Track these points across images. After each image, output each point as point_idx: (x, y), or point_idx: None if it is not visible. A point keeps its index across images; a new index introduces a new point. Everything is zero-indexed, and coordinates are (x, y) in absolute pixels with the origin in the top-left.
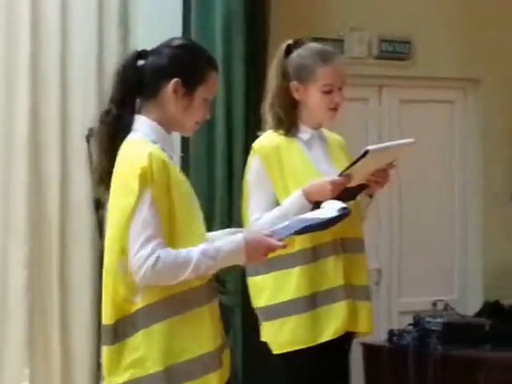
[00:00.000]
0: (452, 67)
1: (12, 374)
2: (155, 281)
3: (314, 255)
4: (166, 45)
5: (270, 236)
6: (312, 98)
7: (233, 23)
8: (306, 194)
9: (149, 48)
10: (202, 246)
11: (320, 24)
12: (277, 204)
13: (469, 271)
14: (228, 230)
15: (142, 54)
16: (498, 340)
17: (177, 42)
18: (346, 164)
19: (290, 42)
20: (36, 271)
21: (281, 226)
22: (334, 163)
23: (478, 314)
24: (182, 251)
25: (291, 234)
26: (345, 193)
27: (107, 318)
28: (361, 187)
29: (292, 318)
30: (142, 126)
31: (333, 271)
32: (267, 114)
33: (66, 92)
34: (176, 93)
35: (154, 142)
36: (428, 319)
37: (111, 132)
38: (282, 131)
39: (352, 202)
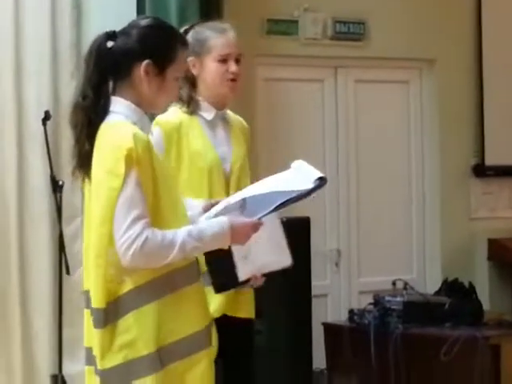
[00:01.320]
0: (407, 47)
1: None
2: (143, 262)
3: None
4: (134, 25)
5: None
6: (208, 70)
7: (187, 7)
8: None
9: (102, 29)
10: (187, 228)
11: (274, 5)
12: None
13: (427, 250)
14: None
15: (110, 35)
16: (457, 317)
17: (145, 22)
18: (245, 148)
19: (187, 26)
20: None
21: (258, 203)
22: (234, 147)
23: (438, 293)
24: (168, 232)
25: (270, 212)
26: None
27: (98, 302)
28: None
29: None
30: (120, 107)
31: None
32: None
33: (20, 76)
34: (148, 74)
35: (134, 123)
36: (388, 298)
37: (90, 116)
38: (184, 109)
39: None
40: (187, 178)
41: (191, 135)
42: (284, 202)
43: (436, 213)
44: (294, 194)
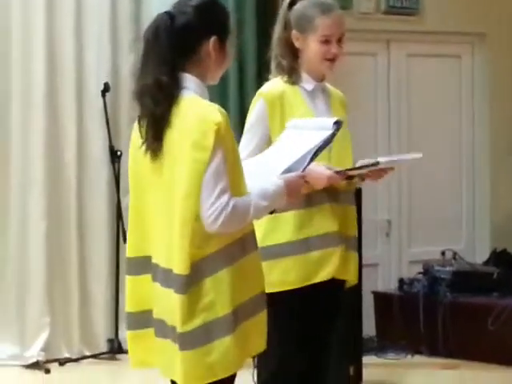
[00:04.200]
0: (459, 22)
1: (33, 322)
2: (229, 227)
3: (308, 201)
4: (188, 4)
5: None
6: (310, 48)
7: None
8: (305, 174)
9: (160, 5)
10: (253, 191)
11: None
12: (266, 147)
13: (476, 221)
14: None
15: (171, 16)
16: (505, 287)
17: (199, 0)
18: (345, 118)
19: None
20: (54, 222)
21: (294, 160)
22: (335, 116)
23: (486, 263)
24: (245, 198)
25: (307, 165)
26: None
27: (183, 268)
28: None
29: (284, 259)
30: (191, 83)
31: (328, 218)
32: (272, 63)
33: (80, 48)
34: (215, 49)
35: (202, 98)
36: (437, 268)
37: (170, 92)
38: (285, 79)
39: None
40: None
41: (294, 104)
42: (315, 152)
43: (485, 185)
44: (320, 143)
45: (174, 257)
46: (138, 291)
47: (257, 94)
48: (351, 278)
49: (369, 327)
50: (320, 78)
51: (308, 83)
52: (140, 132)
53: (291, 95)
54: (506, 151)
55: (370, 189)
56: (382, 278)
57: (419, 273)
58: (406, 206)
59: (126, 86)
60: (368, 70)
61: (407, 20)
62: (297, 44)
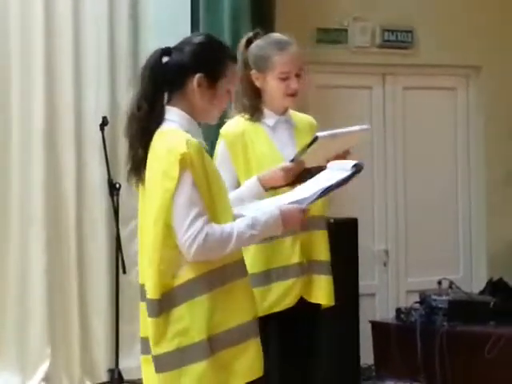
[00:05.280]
0: (454, 55)
1: (34, 354)
2: (205, 256)
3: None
4: (188, 42)
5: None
6: (270, 86)
7: (240, 17)
8: (261, 181)
9: (157, 41)
10: (242, 218)
11: (324, 14)
12: (238, 187)
13: (473, 250)
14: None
15: (165, 52)
16: (501, 316)
17: (197, 39)
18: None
19: (251, 34)
20: (55, 256)
21: (302, 195)
22: (299, 148)
23: (483, 292)
24: (226, 226)
25: (314, 200)
26: (304, 174)
27: (153, 293)
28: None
29: None
30: (174, 116)
31: (288, 250)
32: (234, 102)
33: (79, 82)
34: (200, 86)
35: (186, 131)
36: (434, 297)
37: (145, 125)
38: (247, 117)
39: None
40: None
41: (256, 141)
42: (326, 189)
43: (481, 214)
44: (333, 182)
45: (148, 282)
46: (143, 317)
47: (219, 134)
48: (324, 302)
49: (367, 356)
50: (282, 112)
51: (270, 118)
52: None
53: (252, 133)
54: (501, 181)
55: (368, 219)
56: (380, 308)
57: (416, 302)
58: (402, 236)
59: (124, 120)
60: (364, 103)
61: (402, 53)
62: (257, 83)
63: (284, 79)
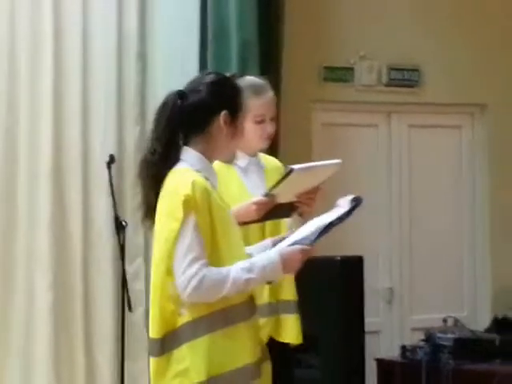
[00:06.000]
0: (459, 93)
1: None
2: (199, 298)
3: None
4: (200, 82)
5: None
6: (246, 129)
7: (248, 55)
8: (234, 216)
9: (166, 77)
10: (240, 262)
11: (331, 53)
12: None
13: (478, 288)
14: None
15: (181, 94)
16: (507, 354)
17: (210, 78)
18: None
19: (227, 75)
20: (60, 294)
21: (304, 234)
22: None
23: (488, 330)
24: (223, 269)
25: (317, 238)
26: (276, 210)
27: (155, 333)
28: (293, 205)
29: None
30: (189, 156)
31: (257, 290)
32: None
33: (86, 121)
34: (226, 124)
35: (198, 171)
36: (439, 335)
37: (158, 170)
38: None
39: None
40: None
41: (228, 182)
42: (328, 226)
43: (486, 252)
44: (334, 218)
45: (150, 321)
46: None
47: None
48: (293, 341)
49: None
50: (254, 154)
51: (242, 159)
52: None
53: (225, 174)
54: (506, 221)
55: (372, 258)
56: (385, 345)
57: (421, 340)
58: (407, 275)
59: (131, 157)
60: (369, 141)
61: (408, 92)
62: None
63: (259, 122)
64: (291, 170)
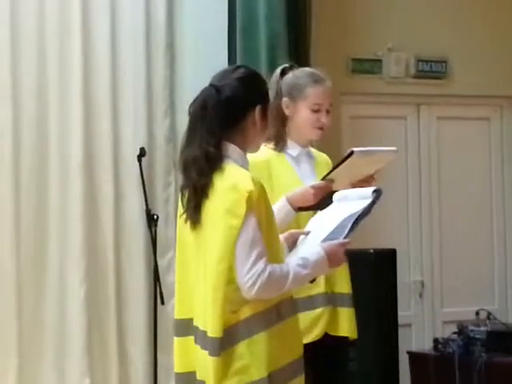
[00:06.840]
0: (487, 85)
1: None
2: (267, 294)
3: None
4: (231, 77)
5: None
6: (300, 115)
7: (277, 46)
8: (290, 201)
9: (194, 70)
10: (293, 259)
11: (359, 45)
12: None
13: (508, 281)
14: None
15: (218, 90)
16: None
17: (241, 73)
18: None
19: (287, 65)
20: (93, 286)
21: (333, 229)
22: (319, 179)
23: None
24: (283, 265)
25: (349, 232)
26: (328, 199)
27: (215, 332)
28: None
29: None
30: (232, 152)
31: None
32: None
33: (117, 114)
34: (260, 118)
35: (243, 167)
36: (472, 328)
37: (205, 165)
38: (271, 146)
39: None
40: None
41: (280, 170)
42: (357, 219)
43: None
44: (360, 211)
45: (208, 320)
46: (184, 352)
47: None
48: (349, 334)
49: None
50: (305, 144)
51: (293, 149)
52: (182, 202)
53: (277, 162)
54: None
55: (403, 251)
56: (416, 338)
57: (454, 333)
58: (438, 268)
59: (162, 150)
60: (398, 134)
61: (436, 84)
62: (287, 111)
63: (315, 111)
64: (352, 152)
